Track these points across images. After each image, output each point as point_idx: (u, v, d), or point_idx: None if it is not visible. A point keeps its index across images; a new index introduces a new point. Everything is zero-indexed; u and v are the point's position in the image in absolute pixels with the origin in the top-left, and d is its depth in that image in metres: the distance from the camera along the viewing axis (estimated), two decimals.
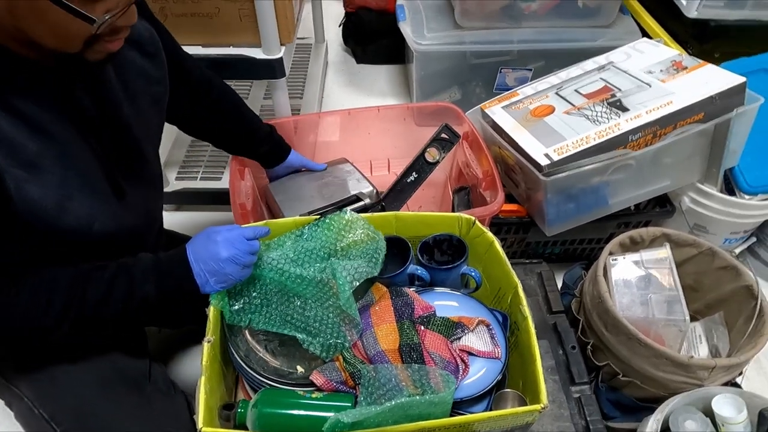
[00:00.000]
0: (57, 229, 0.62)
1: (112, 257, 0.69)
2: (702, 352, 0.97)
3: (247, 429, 0.67)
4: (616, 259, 0.97)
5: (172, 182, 1.41)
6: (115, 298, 0.65)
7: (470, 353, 0.73)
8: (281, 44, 1.10)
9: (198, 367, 0.65)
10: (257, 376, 0.71)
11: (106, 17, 0.54)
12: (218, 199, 1.41)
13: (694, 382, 0.84)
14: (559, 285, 1.11)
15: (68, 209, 0.61)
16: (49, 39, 0.54)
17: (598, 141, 0.99)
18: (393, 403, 0.60)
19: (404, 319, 0.75)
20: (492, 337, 0.75)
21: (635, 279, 0.94)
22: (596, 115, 1.04)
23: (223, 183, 1.41)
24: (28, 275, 0.62)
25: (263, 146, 1.05)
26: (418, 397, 0.62)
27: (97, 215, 0.66)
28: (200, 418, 0.60)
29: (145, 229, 0.80)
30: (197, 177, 1.43)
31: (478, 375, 0.71)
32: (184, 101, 0.89)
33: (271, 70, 1.10)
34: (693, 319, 1.02)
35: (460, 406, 0.69)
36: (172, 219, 1.46)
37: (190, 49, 1.09)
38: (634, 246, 1.01)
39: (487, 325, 0.76)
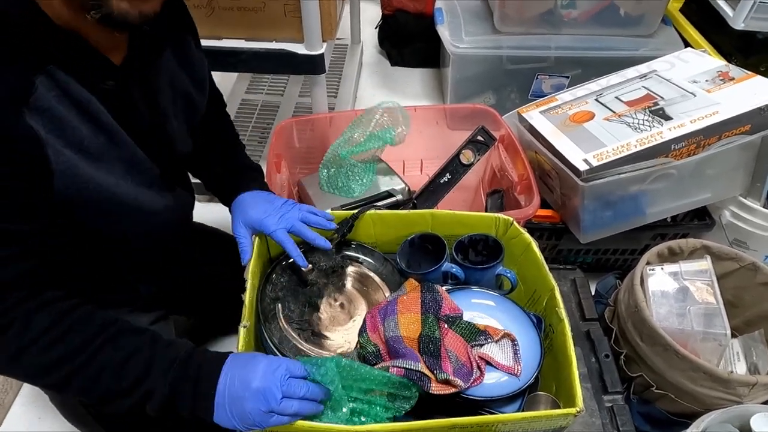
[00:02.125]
0: (102, 212, 0.62)
1: (144, 255, 0.70)
2: (740, 369, 0.95)
3: None
4: (653, 269, 0.95)
5: None
6: (126, 372, 0.57)
7: (488, 363, 0.72)
8: (323, 41, 1.11)
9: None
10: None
11: None
12: None
13: (732, 398, 0.82)
14: (592, 294, 1.10)
15: (117, 194, 0.62)
16: None
17: (639, 148, 0.97)
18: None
19: (429, 313, 0.74)
20: (515, 354, 0.72)
21: (673, 290, 0.92)
22: (638, 123, 1.03)
23: None
24: (57, 300, 0.58)
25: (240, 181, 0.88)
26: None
27: (143, 203, 0.66)
28: None
29: (178, 228, 0.82)
30: None
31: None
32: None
33: (312, 65, 1.11)
34: (732, 335, 0.99)
35: (491, 405, 0.68)
36: (205, 210, 1.47)
37: (234, 42, 1.12)
38: (672, 257, 0.99)
39: (513, 340, 0.74)
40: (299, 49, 1.10)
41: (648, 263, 0.96)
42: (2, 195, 0.52)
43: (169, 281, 0.89)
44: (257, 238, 0.79)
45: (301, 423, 0.59)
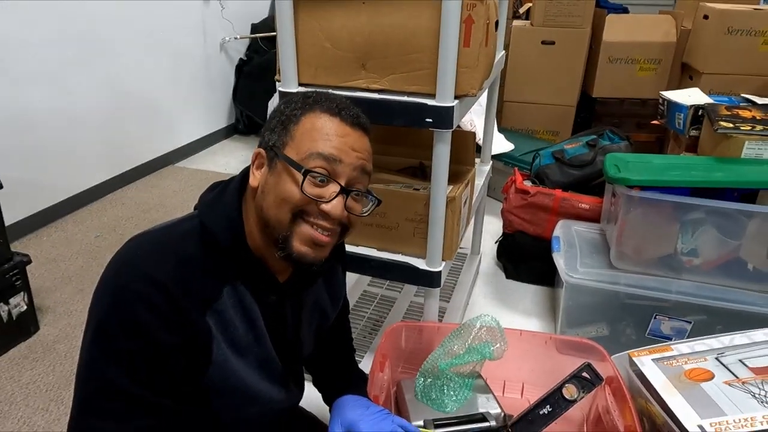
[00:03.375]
0: (233, 399, 0.72)
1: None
2: None
3: None
4: None
5: None
6: None
7: None
8: (442, 260, 1.25)
9: None
10: None
11: (313, 169, 0.67)
12: None
13: None
14: None
15: (248, 385, 0.73)
16: (271, 209, 0.68)
17: (765, 427, 0.89)
18: None
19: None
20: None
21: None
22: (765, 395, 0.95)
23: (362, 366, 1.50)
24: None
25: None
26: None
27: (264, 394, 0.76)
28: None
29: (283, 416, 0.90)
30: None
31: None
32: None
33: (429, 280, 1.25)
34: None
35: None
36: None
37: (366, 250, 1.31)
38: None
39: None
40: (420, 264, 1.25)
41: None
42: (164, 362, 0.64)
43: None
44: None
45: None
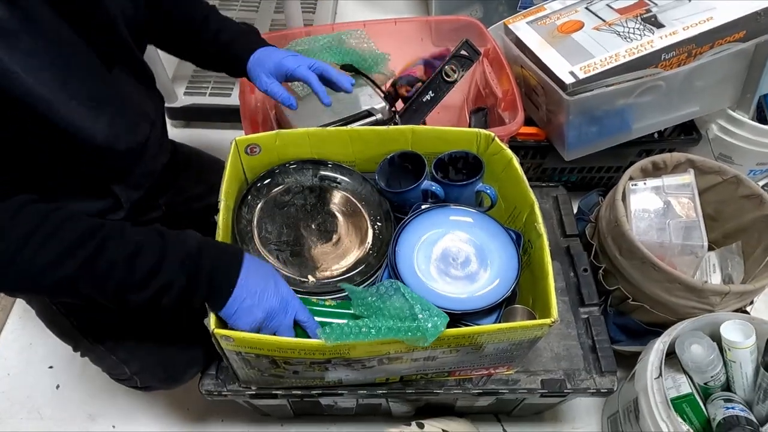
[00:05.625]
0: (27, 106, 0.51)
1: (104, 163, 0.62)
2: (715, 281, 0.97)
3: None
4: (636, 184, 0.94)
5: (181, 98, 1.37)
6: (139, 265, 0.54)
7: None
8: None
9: None
10: None
11: None
12: (228, 115, 1.38)
13: (704, 307, 0.84)
14: (575, 212, 1.10)
15: (42, 80, 0.51)
16: None
17: (628, 59, 0.93)
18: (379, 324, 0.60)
19: None
20: None
21: (654, 204, 0.92)
22: (628, 32, 0.98)
23: (233, 99, 1.37)
24: (34, 201, 0.53)
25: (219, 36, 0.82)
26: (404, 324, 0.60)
27: (75, 90, 0.55)
28: (212, 321, 0.60)
29: (141, 126, 0.68)
30: (206, 93, 1.39)
31: (489, 288, 0.71)
32: None
33: None
34: (709, 248, 1.01)
35: (469, 318, 0.69)
36: (181, 134, 1.44)
37: None
38: (656, 171, 0.98)
39: None
40: None
41: (631, 178, 0.95)
42: None
43: (146, 191, 0.78)
44: (230, 154, 0.76)
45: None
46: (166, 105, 1.36)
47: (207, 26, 0.81)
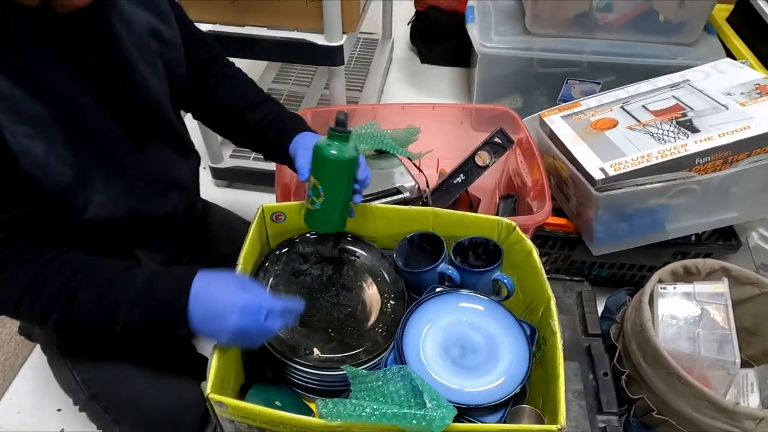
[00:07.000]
0: (61, 190, 0.61)
1: (133, 232, 0.69)
2: (752, 401, 0.89)
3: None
4: (665, 288, 0.90)
5: (226, 159, 1.46)
6: (101, 312, 0.62)
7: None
8: (343, 32, 1.10)
9: None
10: (272, 350, 0.71)
11: None
12: (270, 179, 1.44)
13: (737, 431, 0.77)
14: (602, 309, 1.05)
15: (67, 167, 0.60)
16: None
17: (660, 160, 0.93)
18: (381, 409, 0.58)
19: None
20: None
21: (684, 312, 0.87)
22: (662, 134, 0.98)
23: (273, 164, 1.43)
24: (32, 254, 0.61)
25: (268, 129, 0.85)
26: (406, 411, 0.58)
27: (101, 175, 0.64)
28: (209, 385, 0.60)
29: (170, 196, 0.76)
30: (250, 157, 1.47)
31: (496, 383, 0.68)
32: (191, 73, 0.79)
33: (330, 56, 1.11)
34: (747, 364, 0.94)
35: (473, 413, 0.66)
36: (223, 194, 1.51)
37: (256, 30, 1.13)
38: (687, 276, 0.94)
39: None
40: (319, 39, 1.10)
41: (660, 281, 0.91)
42: None
43: (171, 254, 0.85)
44: (255, 220, 0.79)
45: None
46: (212, 165, 1.45)
47: (254, 121, 0.84)
